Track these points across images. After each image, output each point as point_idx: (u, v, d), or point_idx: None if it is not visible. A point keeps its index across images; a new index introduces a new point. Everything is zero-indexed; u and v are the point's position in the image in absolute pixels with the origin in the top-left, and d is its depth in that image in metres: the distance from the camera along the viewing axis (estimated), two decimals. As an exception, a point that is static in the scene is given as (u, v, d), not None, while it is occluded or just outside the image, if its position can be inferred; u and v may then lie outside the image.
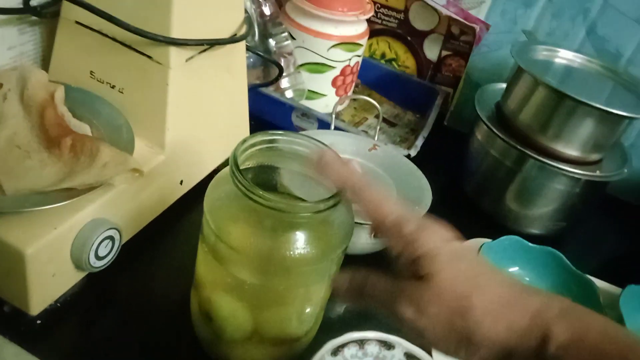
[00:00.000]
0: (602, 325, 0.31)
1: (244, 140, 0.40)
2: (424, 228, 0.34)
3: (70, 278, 0.48)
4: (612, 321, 0.31)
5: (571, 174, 0.66)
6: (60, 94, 0.52)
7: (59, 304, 0.48)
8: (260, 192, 0.36)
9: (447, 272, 0.32)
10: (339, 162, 0.38)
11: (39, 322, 0.46)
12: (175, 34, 0.50)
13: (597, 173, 0.67)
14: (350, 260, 0.43)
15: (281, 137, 0.43)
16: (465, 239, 0.63)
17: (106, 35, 0.52)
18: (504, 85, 0.77)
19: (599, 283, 0.61)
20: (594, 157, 0.69)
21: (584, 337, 0.30)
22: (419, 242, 0.33)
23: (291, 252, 0.38)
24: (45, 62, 0.59)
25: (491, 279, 0.33)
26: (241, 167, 0.39)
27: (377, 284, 0.35)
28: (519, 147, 0.67)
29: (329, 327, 0.49)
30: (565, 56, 0.75)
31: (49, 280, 0.45)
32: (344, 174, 0.37)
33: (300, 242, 0.38)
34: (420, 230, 0.33)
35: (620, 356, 0.29)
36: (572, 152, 0.67)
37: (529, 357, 0.31)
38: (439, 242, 0.33)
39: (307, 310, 0.43)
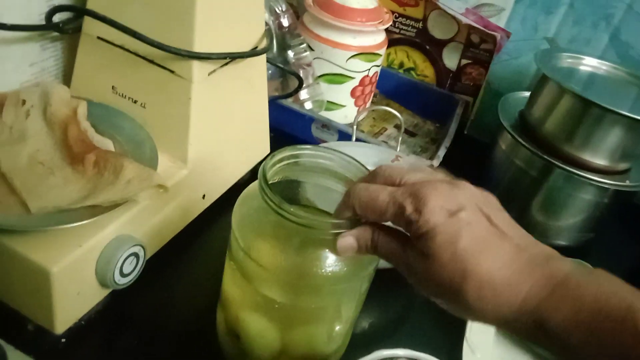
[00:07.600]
0: (594, 295, 0.31)
1: (273, 155, 0.39)
2: (424, 204, 0.33)
3: (94, 296, 0.47)
4: (606, 280, 0.32)
5: (599, 184, 0.64)
6: (82, 109, 0.51)
7: (83, 322, 0.47)
8: (292, 209, 0.35)
9: (444, 255, 0.33)
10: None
11: (63, 340, 0.46)
12: (198, 48, 0.50)
13: (627, 183, 0.65)
14: (381, 274, 0.42)
15: (307, 152, 0.42)
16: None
17: (128, 50, 0.52)
18: (526, 94, 0.75)
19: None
20: (622, 166, 0.67)
21: (578, 313, 0.31)
22: (420, 222, 0.33)
23: (322, 270, 0.37)
24: (66, 78, 0.59)
25: (487, 258, 0.33)
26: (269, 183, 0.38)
27: (385, 247, 0.36)
28: (544, 156, 0.66)
29: (355, 344, 0.48)
30: (589, 63, 0.74)
31: (73, 299, 0.45)
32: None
33: (331, 259, 0.37)
34: (420, 208, 0.33)
35: (615, 328, 0.29)
36: (599, 161, 0.65)
37: (529, 330, 0.32)
38: (441, 217, 0.33)
39: (337, 328, 0.42)
